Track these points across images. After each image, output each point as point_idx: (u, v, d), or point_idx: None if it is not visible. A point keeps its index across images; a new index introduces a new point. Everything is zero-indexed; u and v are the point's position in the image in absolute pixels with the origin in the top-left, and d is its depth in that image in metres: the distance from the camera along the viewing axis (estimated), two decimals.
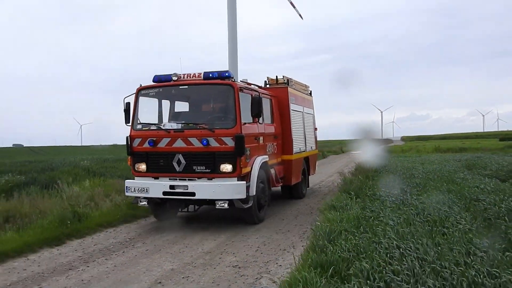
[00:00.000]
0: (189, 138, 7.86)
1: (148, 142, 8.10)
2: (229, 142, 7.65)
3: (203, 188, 7.71)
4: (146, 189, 8.03)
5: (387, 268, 4.30)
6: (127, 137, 8.35)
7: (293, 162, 10.59)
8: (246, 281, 5.24)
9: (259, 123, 8.81)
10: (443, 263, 4.33)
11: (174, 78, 8.39)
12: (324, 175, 18.00)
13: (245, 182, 7.80)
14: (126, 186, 8.32)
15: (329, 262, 4.71)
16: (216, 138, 7.71)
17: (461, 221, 6.29)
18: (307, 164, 12.42)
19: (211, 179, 7.79)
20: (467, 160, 18.78)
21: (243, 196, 7.67)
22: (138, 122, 8.52)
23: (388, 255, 4.73)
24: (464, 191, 9.00)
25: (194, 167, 7.84)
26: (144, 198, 8.17)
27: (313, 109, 13.57)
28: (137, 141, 8.30)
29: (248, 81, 9.65)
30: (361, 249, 5.06)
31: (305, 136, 12.06)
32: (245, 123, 7.96)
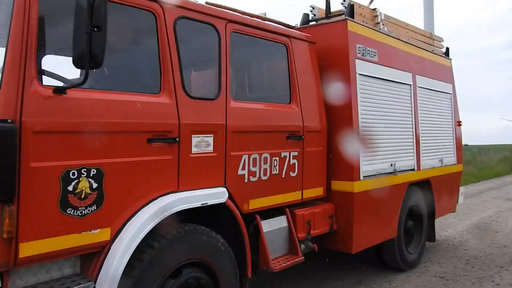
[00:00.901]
0: None
1: None
2: None
3: None
4: None
5: None
6: None
7: (356, 198, 4.50)
8: None
9: (209, 99, 3.36)
10: None
11: None
12: None
13: None
14: None
15: None
16: None
17: None
18: (431, 195, 6.04)
19: None
20: None
21: None
22: None
23: None
24: None
25: None
26: None
27: (452, 84, 6.90)
28: None
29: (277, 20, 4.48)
30: None
31: (415, 136, 5.62)
32: (64, 87, 2.47)
